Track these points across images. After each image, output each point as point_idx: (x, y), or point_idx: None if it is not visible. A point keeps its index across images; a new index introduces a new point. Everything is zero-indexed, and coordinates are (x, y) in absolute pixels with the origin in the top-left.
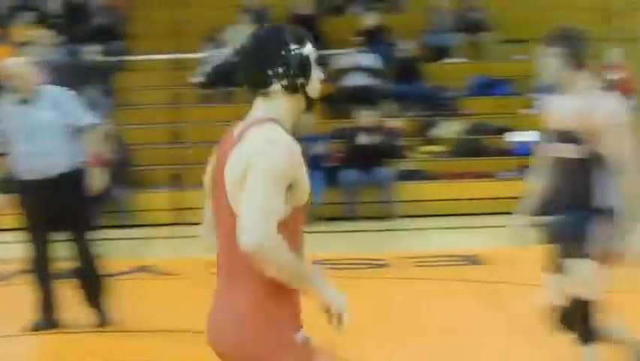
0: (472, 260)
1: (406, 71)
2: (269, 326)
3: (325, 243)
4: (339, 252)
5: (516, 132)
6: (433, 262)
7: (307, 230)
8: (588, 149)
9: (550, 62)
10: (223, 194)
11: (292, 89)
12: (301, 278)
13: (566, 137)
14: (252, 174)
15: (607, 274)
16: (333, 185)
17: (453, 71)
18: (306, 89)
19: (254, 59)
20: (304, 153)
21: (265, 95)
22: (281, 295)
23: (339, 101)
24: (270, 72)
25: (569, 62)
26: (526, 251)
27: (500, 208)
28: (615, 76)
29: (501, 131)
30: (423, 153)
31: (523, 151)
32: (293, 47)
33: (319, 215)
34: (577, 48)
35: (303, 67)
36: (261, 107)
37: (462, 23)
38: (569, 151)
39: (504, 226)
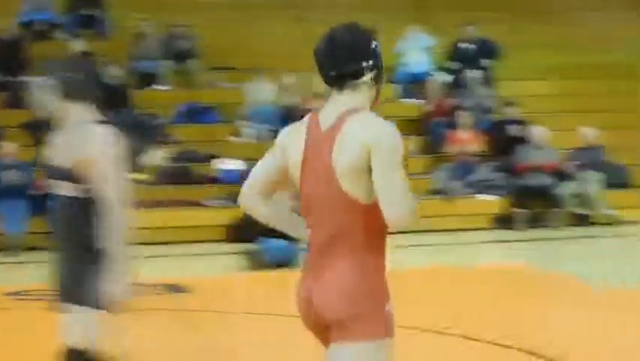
0: (174, 288)
1: (113, 97)
2: (372, 295)
3: (30, 273)
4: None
5: (223, 160)
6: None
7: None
8: (83, 186)
9: (44, 93)
10: (326, 178)
11: (377, 80)
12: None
13: (61, 173)
14: (381, 158)
15: (113, 320)
16: (38, 213)
17: (160, 98)
18: (381, 81)
19: (350, 51)
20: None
21: (354, 86)
22: (378, 269)
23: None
24: (364, 64)
25: (62, 93)
26: (229, 279)
27: (207, 236)
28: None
29: (208, 158)
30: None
31: (231, 179)
32: (375, 42)
33: (23, 244)
34: (69, 80)
35: (382, 60)
36: (344, 97)
37: (169, 50)
38: (66, 188)
39: (208, 254)
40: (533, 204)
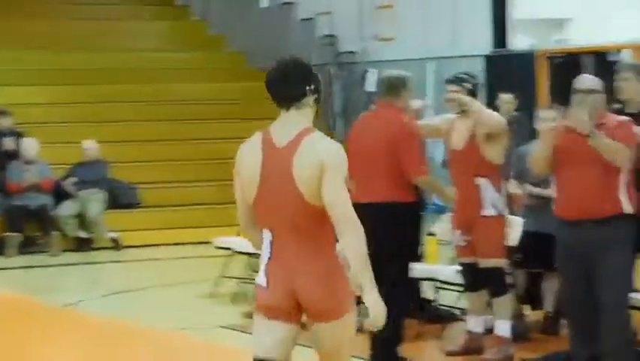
0: None
1: None
2: (342, 281)
3: None
4: None
5: None
6: None
7: None
8: None
9: None
10: (286, 186)
11: (317, 101)
12: (365, 264)
13: None
14: (328, 169)
15: None
16: None
17: None
18: (319, 103)
19: (295, 77)
20: None
21: (298, 107)
22: (336, 258)
23: None
24: (307, 88)
25: None
26: None
27: None
28: None
29: None
30: None
31: None
32: (314, 69)
33: None
34: None
35: (321, 86)
36: (294, 118)
37: None
38: None
39: None
40: (27, 226)
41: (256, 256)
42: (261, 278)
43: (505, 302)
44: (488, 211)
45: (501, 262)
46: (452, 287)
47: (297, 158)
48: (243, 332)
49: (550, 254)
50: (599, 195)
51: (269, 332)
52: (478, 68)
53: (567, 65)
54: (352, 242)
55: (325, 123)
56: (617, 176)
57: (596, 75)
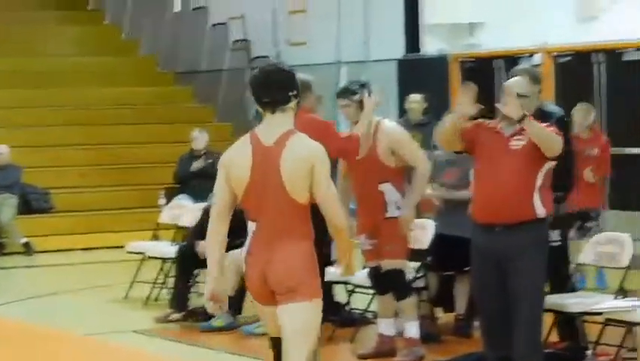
0: None
1: None
2: (312, 268)
3: None
4: None
5: None
6: None
7: None
8: None
9: None
10: (273, 180)
11: (298, 104)
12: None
13: None
14: (319, 168)
15: None
16: None
17: None
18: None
19: (279, 83)
20: None
21: (283, 110)
22: (312, 250)
23: None
24: (290, 93)
25: None
26: None
27: None
28: None
29: None
30: None
31: None
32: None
33: None
34: None
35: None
36: (279, 120)
37: None
38: None
39: None
40: None
41: (169, 260)
42: (244, 269)
43: (412, 304)
44: (392, 213)
45: (403, 264)
46: (365, 291)
47: (284, 155)
48: (155, 336)
49: (461, 257)
50: (514, 199)
51: (263, 315)
52: (390, 73)
53: (478, 70)
54: (337, 224)
55: (240, 127)
56: (534, 180)
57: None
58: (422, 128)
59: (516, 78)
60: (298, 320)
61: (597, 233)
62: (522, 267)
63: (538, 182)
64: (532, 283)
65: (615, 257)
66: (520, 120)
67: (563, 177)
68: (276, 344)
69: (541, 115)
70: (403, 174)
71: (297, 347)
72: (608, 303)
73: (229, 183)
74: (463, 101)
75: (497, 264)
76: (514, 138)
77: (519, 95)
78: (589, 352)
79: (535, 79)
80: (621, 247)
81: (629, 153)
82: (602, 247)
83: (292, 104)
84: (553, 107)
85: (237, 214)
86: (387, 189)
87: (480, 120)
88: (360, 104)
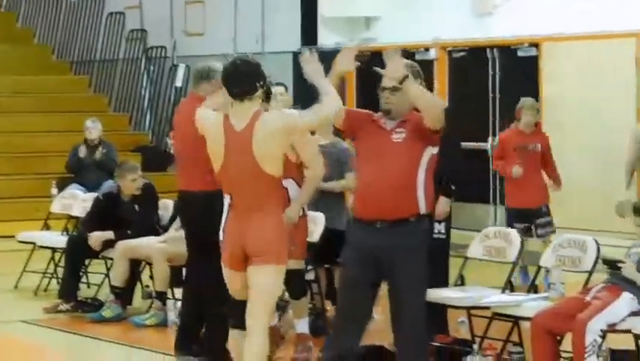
0: None
1: None
2: (282, 236)
3: None
4: None
5: None
6: None
7: None
8: None
9: None
10: (246, 160)
11: (264, 94)
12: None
13: None
14: (292, 123)
15: None
16: None
17: None
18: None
19: (248, 75)
20: None
21: (250, 99)
22: (282, 218)
23: None
24: (257, 84)
25: None
26: None
27: None
28: None
29: None
30: None
31: None
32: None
33: None
34: None
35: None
36: (247, 107)
37: None
38: None
39: None
40: None
41: (60, 250)
42: (220, 235)
43: (305, 303)
44: None
45: (301, 264)
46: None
47: (254, 137)
48: (44, 326)
49: (338, 249)
50: (397, 194)
51: (233, 280)
52: (286, 65)
53: (373, 64)
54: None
55: (133, 118)
56: (416, 174)
57: None
58: None
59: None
60: (265, 279)
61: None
62: (405, 264)
63: (421, 177)
64: (416, 280)
65: (503, 252)
66: (402, 81)
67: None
68: (239, 305)
69: None
70: (302, 170)
71: (261, 302)
72: (495, 297)
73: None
74: (344, 55)
75: (376, 261)
76: (395, 131)
77: (395, 88)
78: (475, 346)
79: (416, 74)
80: (509, 241)
81: None
82: (489, 241)
83: (259, 92)
84: None
85: (126, 205)
86: (290, 185)
87: (371, 112)
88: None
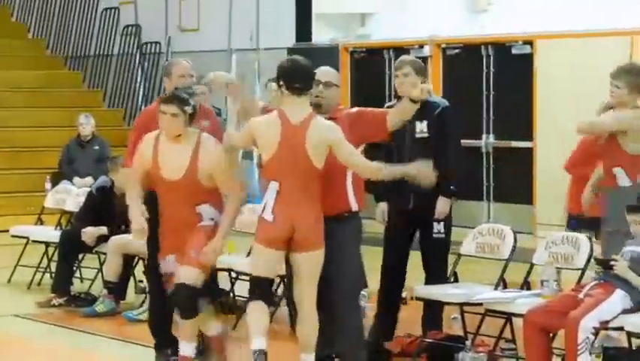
0: None
1: None
2: (322, 223)
3: None
4: None
5: None
6: None
7: None
8: None
9: None
10: (299, 152)
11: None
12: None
13: None
14: (339, 142)
15: None
16: None
17: None
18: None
19: (309, 74)
20: None
21: (305, 95)
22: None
23: None
24: (311, 82)
25: None
26: None
27: None
28: None
29: None
30: None
31: None
32: None
33: None
34: None
35: None
36: (303, 102)
37: None
38: None
39: None
40: None
41: (53, 245)
42: (268, 215)
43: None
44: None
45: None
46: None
47: (309, 133)
48: (37, 321)
49: None
50: (330, 192)
51: (266, 258)
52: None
53: (369, 60)
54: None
55: (127, 113)
56: (344, 172)
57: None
58: None
59: (326, 75)
60: (313, 264)
61: None
62: (338, 261)
63: (349, 174)
64: (348, 276)
65: (497, 249)
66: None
67: (444, 164)
68: (263, 283)
69: (425, 106)
70: None
71: (311, 284)
72: (488, 294)
73: (250, 139)
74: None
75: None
76: None
77: (328, 83)
78: (468, 342)
79: (419, 70)
80: (502, 238)
81: (515, 146)
82: (483, 238)
83: (311, 90)
84: (437, 98)
85: (119, 200)
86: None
87: None
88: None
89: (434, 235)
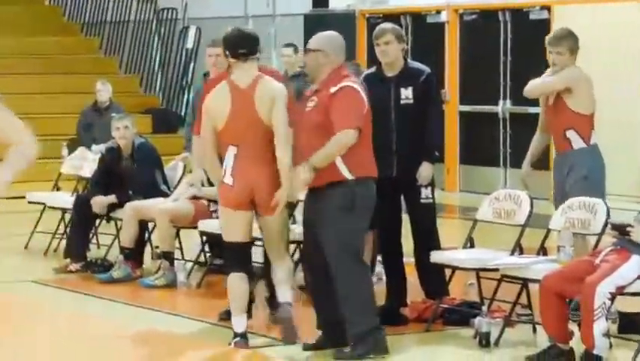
0: None
1: None
2: (279, 184)
3: None
4: None
5: None
6: None
7: None
8: None
9: None
10: (250, 114)
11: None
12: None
13: None
14: (279, 102)
15: None
16: None
17: None
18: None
19: (253, 40)
20: None
21: (253, 59)
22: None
23: None
24: (258, 47)
25: None
26: None
27: None
28: None
29: None
30: None
31: None
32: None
33: None
34: None
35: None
36: (249, 67)
37: None
38: None
39: None
40: None
41: (69, 211)
42: (228, 179)
43: None
44: None
45: None
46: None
47: (257, 94)
48: (54, 287)
49: None
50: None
51: (237, 221)
52: (297, 27)
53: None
54: (286, 152)
55: (144, 80)
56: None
57: (415, 37)
58: (297, 80)
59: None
60: (278, 223)
61: None
62: (330, 230)
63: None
64: (338, 241)
65: (513, 214)
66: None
67: (431, 136)
68: (240, 249)
69: (408, 73)
70: None
71: (281, 240)
72: (504, 259)
73: (213, 123)
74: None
75: (311, 226)
76: (311, 99)
77: (313, 50)
78: (484, 308)
79: (400, 38)
80: (518, 204)
81: (532, 112)
82: (499, 203)
83: (257, 55)
84: (419, 65)
85: (125, 161)
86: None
87: None
88: None
89: (422, 201)
